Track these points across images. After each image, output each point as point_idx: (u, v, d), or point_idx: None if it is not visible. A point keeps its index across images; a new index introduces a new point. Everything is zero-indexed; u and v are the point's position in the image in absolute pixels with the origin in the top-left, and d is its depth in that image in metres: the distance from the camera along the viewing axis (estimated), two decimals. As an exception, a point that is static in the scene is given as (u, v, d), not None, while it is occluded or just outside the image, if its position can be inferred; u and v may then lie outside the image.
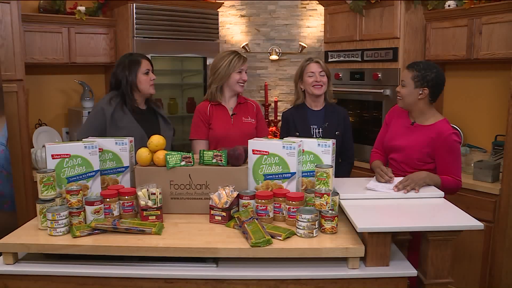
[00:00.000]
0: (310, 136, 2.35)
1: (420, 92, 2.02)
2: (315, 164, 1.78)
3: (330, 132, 2.36)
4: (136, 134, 2.10)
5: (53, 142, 2.03)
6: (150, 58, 2.33)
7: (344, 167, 2.42)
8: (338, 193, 1.74)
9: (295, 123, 2.41)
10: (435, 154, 2.01)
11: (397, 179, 1.93)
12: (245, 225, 1.58)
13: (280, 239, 1.54)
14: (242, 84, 2.37)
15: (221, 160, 1.80)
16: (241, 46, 3.97)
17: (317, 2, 3.81)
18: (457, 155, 2.01)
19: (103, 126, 2.16)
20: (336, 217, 1.60)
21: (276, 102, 3.91)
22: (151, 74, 2.27)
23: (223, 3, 3.83)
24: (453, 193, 2.01)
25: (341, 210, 1.71)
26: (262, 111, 2.59)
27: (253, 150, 1.79)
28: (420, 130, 2.06)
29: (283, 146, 1.75)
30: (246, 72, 2.39)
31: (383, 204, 1.75)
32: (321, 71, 2.35)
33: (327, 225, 1.60)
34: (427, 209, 1.73)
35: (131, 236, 1.58)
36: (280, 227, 1.63)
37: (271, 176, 1.78)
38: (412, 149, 2.04)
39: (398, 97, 2.11)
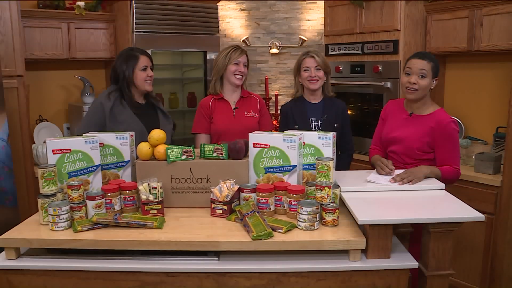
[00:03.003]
0: (309, 128, 2.35)
1: (434, 82, 2.02)
2: (316, 157, 1.78)
3: (329, 125, 2.36)
4: (136, 128, 2.10)
5: (54, 137, 2.03)
6: (150, 54, 2.30)
7: (344, 159, 2.42)
8: (339, 186, 1.74)
9: (294, 116, 2.41)
10: (434, 143, 2.01)
11: (398, 172, 1.93)
12: (246, 218, 1.58)
13: (281, 232, 1.54)
14: (239, 77, 2.36)
15: (221, 154, 1.79)
16: (241, 40, 3.95)
17: (317, -5, 3.79)
18: (456, 143, 2.01)
19: (103, 121, 2.15)
20: (337, 210, 1.60)
21: (276, 96, 3.90)
22: (149, 70, 2.24)
23: (222, -3, 3.82)
24: (452, 182, 2.01)
25: (342, 203, 1.71)
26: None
27: (253, 144, 1.79)
28: (419, 120, 2.06)
29: (284, 139, 1.75)
30: (246, 66, 2.39)
31: (384, 197, 1.75)
32: (316, 66, 2.33)
33: (328, 217, 1.60)
34: (428, 201, 1.72)
35: (133, 230, 1.59)
36: (281, 220, 1.64)
37: (272, 169, 1.78)
38: (412, 139, 2.04)
39: (414, 89, 1.99)
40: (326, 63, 2.37)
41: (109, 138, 1.86)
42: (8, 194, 2.68)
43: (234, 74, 2.35)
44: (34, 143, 3.19)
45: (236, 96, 2.43)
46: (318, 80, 2.34)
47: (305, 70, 2.35)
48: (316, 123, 2.38)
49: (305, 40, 3.92)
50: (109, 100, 2.18)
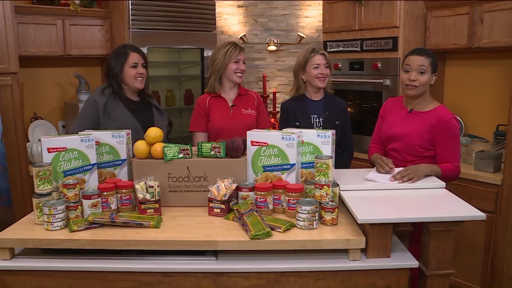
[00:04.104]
0: (310, 125, 2.34)
1: (433, 78, 2.01)
2: (315, 155, 1.76)
3: (330, 122, 2.36)
4: (130, 125, 2.09)
5: (49, 135, 2.00)
6: (143, 51, 2.26)
7: (344, 157, 2.41)
8: (338, 184, 1.72)
9: (295, 114, 2.39)
10: (435, 140, 2.00)
11: (398, 170, 1.91)
12: (245, 217, 1.57)
13: (280, 231, 1.53)
14: (239, 75, 2.35)
15: (219, 152, 1.77)
16: (238, 37, 3.92)
17: (316, -9, 3.76)
18: (456, 140, 2.00)
19: (97, 119, 2.14)
20: (336, 209, 1.59)
21: (274, 93, 3.87)
22: (140, 68, 2.20)
23: (220, -7, 3.79)
24: (452, 180, 2.00)
25: (342, 202, 1.69)
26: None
27: (252, 142, 1.77)
28: (419, 117, 2.04)
29: (282, 137, 1.73)
30: (244, 63, 2.37)
31: (384, 195, 1.73)
32: (325, 64, 2.36)
33: (328, 216, 1.58)
34: (429, 200, 1.71)
35: (129, 230, 1.57)
36: (280, 219, 1.62)
37: (271, 168, 1.76)
38: (412, 136, 2.02)
39: (413, 86, 1.98)
40: (330, 61, 2.41)
41: (105, 136, 1.84)
42: (2, 193, 2.65)
43: (235, 73, 2.33)
44: (29, 141, 3.16)
45: (234, 93, 2.41)
46: (326, 77, 2.36)
47: (315, 68, 2.34)
48: (317, 120, 2.37)
49: (303, 37, 3.90)
50: (103, 96, 2.16)
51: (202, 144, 1.80)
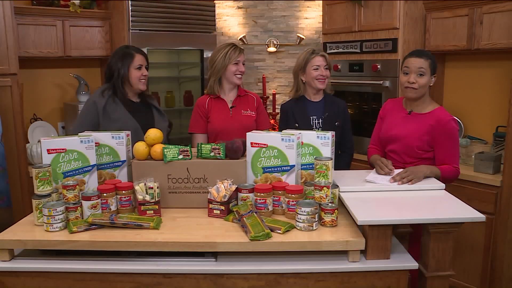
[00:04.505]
0: (310, 127, 2.34)
1: (432, 79, 2.02)
2: (315, 157, 1.76)
3: (330, 123, 2.36)
4: (130, 126, 2.09)
5: (49, 136, 2.00)
6: (146, 53, 2.29)
7: (344, 158, 2.42)
8: (337, 186, 1.72)
9: (294, 115, 2.39)
10: (434, 141, 2.00)
11: (397, 171, 1.91)
12: (244, 218, 1.56)
13: (279, 233, 1.53)
14: (239, 76, 2.35)
15: (219, 153, 1.77)
16: (238, 38, 3.93)
17: (315, -8, 3.77)
18: (455, 142, 2.00)
19: (96, 120, 2.14)
20: (336, 210, 1.59)
21: (274, 94, 3.88)
22: (144, 69, 2.22)
23: (219, -6, 3.79)
24: (452, 182, 2.00)
25: (341, 203, 1.69)
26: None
27: (251, 143, 1.77)
28: (419, 119, 2.04)
29: (282, 139, 1.73)
30: (244, 64, 2.37)
31: (384, 197, 1.73)
32: (325, 65, 2.36)
33: (327, 218, 1.58)
34: (428, 201, 1.71)
35: (129, 231, 1.56)
36: (279, 221, 1.62)
37: (270, 169, 1.76)
38: (411, 137, 2.02)
39: (412, 88, 1.98)
40: (330, 62, 2.42)
41: (105, 137, 1.84)
42: (2, 194, 2.65)
43: (235, 74, 2.33)
44: (29, 142, 3.16)
45: (233, 94, 2.41)
46: (326, 79, 2.37)
47: (315, 69, 2.35)
48: (317, 121, 2.37)
49: (303, 39, 3.90)
50: (103, 97, 2.16)
51: (202, 146, 1.80)
